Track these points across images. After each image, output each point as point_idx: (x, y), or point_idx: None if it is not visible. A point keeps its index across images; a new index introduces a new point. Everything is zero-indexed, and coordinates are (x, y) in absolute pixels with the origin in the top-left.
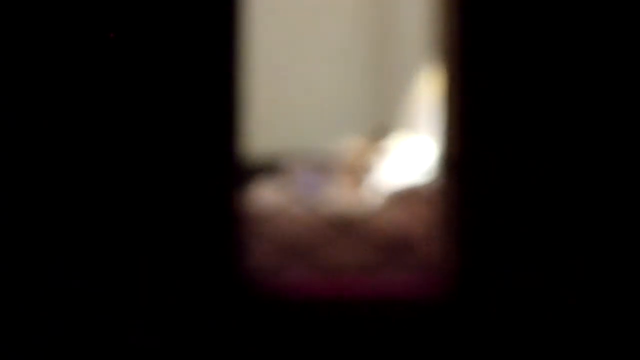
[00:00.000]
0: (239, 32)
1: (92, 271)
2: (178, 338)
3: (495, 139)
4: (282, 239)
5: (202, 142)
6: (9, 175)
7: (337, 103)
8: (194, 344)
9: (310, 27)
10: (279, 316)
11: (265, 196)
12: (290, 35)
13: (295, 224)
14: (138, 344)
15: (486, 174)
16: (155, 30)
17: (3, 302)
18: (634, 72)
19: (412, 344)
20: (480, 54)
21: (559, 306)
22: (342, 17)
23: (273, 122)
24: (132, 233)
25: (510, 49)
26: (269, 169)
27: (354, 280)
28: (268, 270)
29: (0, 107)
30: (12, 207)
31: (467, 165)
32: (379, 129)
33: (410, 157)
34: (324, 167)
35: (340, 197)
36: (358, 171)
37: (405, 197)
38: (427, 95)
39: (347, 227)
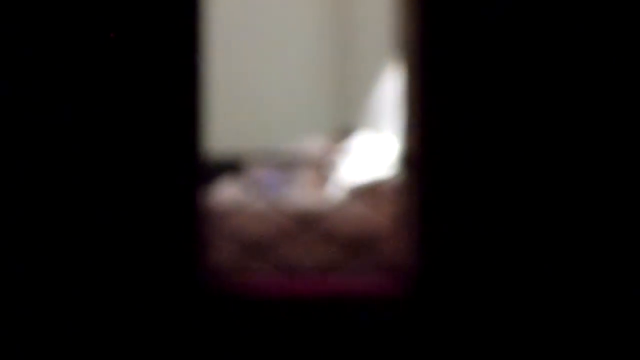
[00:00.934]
0: (202, 31)
1: (50, 268)
2: (139, 335)
3: (456, 137)
4: (244, 237)
5: (165, 140)
6: None
7: (300, 102)
8: (156, 340)
9: (274, 27)
10: (241, 313)
11: (228, 194)
12: (253, 35)
13: (257, 222)
14: (98, 341)
15: (447, 171)
16: (119, 29)
17: None
18: (603, 66)
19: (373, 340)
20: (440, 53)
21: (519, 302)
22: (305, 17)
23: (236, 120)
24: (95, 230)
25: (471, 48)
26: (232, 167)
27: (316, 277)
28: (231, 268)
29: None
30: None
31: (428, 163)
32: (342, 128)
33: (372, 155)
34: (286, 166)
35: (303, 195)
36: (321, 169)
37: (368, 195)
38: (388, 93)
39: (309, 225)
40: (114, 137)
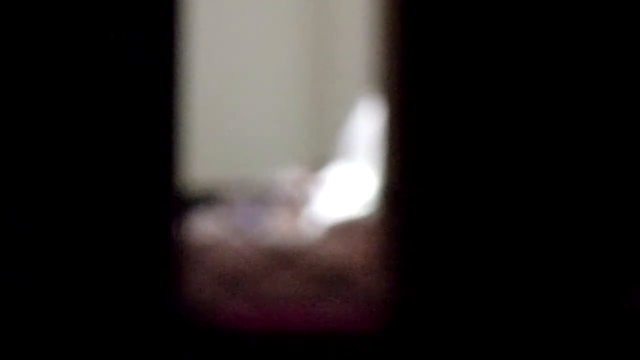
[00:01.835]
0: (179, 60)
1: (26, 300)
2: None
3: (435, 171)
4: (220, 270)
5: (140, 171)
6: None
7: (275, 133)
8: None
9: (249, 58)
10: (218, 348)
11: (204, 227)
12: (229, 65)
13: (233, 256)
14: None
15: (426, 206)
16: (93, 58)
17: None
18: (591, 94)
19: None
20: (419, 84)
21: (498, 338)
22: (281, 48)
23: (212, 152)
24: (69, 262)
25: (451, 80)
26: (208, 200)
27: (292, 312)
28: (206, 302)
29: None
30: None
31: (406, 197)
32: (318, 160)
33: (349, 188)
34: (262, 198)
35: (278, 229)
36: (296, 202)
37: (344, 229)
38: (366, 126)
39: (285, 259)
40: (89, 167)
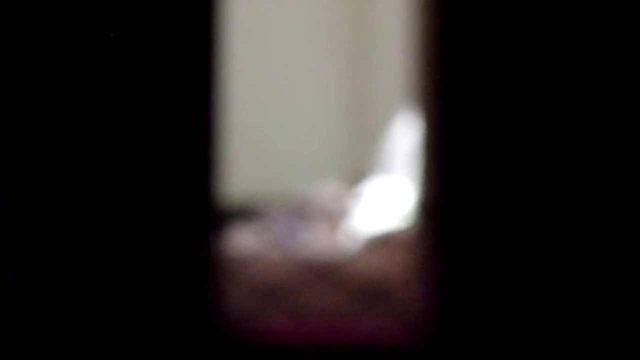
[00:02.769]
0: (217, 74)
1: (63, 316)
2: None
3: (474, 184)
4: (259, 284)
5: (179, 185)
6: None
7: (314, 147)
8: None
9: (288, 73)
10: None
11: (242, 241)
12: (267, 79)
13: (272, 269)
14: None
15: (464, 219)
16: (132, 70)
17: None
18: (621, 103)
19: None
20: (457, 97)
21: (538, 351)
22: (319, 61)
23: (251, 166)
24: (108, 277)
25: (489, 93)
26: (246, 213)
27: (330, 325)
28: (245, 316)
29: None
30: None
31: (444, 210)
32: (356, 173)
33: (387, 201)
34: (301, 212)
35: (317, 242)
36: (335, 216)
37: (382, 243)
38: (404, 139)
39: (323, 272)
40: (127, 182)
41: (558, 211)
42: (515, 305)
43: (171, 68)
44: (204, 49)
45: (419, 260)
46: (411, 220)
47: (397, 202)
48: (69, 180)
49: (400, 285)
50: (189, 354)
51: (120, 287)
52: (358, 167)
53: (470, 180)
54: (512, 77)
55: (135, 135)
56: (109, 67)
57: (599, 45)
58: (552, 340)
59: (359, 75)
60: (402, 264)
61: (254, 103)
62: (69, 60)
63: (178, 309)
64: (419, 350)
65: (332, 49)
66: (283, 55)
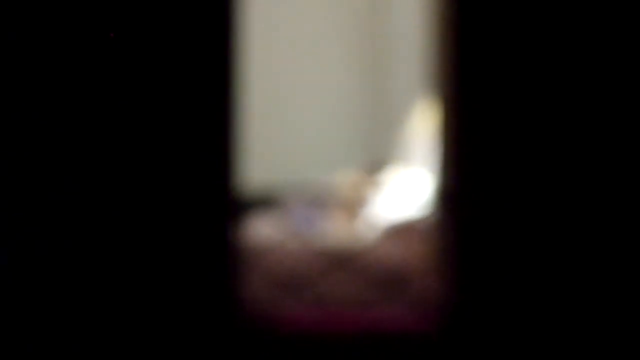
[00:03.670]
0: (235, 65)
1: (83, 305)
2: None
3: (491, 172)
4: (277, 273)
5: (197, 174)
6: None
7: (332, 136)
8: None
9: (307, 61)
10: (275, 350)
11: (261, 230)
12: (286, 68)
13: (290, 258)
14: None
15: (482, 208)
16: (149, 61)
17: None
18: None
19: None
20: (475, 86)
21: (555, 340)
22: (337, 50)
23: (269, 155)
24: (127, 265)
25: (506, 82)
26: (264, 202)
27: (349, 314)
28: (263, 304)
29: None
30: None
31: (463, 199)
32: (375, 163)
33: (405, 190)
34: (319, 201)
35: (335, 231)
36: (353, 205)
37: (401, 231)
38: (422, 128)
39: (342, 261)
40: (146, 171)
41: (576, 201)
42: (533, 294)
43: (192, 59)
44: (224, 38)
45: (437, 249)
46: (429, 209)
47: (416, 191)
48: (90, 169)
49: (418, 273)
50: (209, 342)
51: (142, 277)
52: (377, 156)
53: (488, 170)
54: (530, 66)
55: (156, 125)
56: (134, 57)
57: (628, 29)
58: (570, 329)
59: (379, 65)
60: (420, 253)
61: (274, 93)
62: (101, 56)
63: (198, 298)
64: (436, 338)
65: (352, 39)
66: (303, 45)
